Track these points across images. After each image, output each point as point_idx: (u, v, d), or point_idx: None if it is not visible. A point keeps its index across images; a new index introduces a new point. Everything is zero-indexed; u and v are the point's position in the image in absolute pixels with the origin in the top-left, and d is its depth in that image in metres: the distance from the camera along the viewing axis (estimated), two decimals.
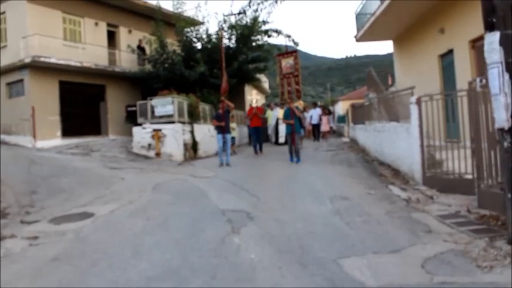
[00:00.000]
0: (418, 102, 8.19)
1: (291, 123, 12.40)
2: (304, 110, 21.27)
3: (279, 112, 19.48)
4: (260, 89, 34.49)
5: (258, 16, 20.58)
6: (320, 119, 22.04)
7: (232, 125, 15.90)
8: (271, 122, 20.40)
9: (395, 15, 13.52)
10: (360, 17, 16.56)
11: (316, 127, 21.99)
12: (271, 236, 5.34)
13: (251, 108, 16.49)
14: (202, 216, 6.48)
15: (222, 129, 12.54)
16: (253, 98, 17.45)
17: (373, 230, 5.44)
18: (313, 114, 21.87)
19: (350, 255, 4.54)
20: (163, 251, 4.97)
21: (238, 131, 19.11)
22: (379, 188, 8.18)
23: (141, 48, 21.07)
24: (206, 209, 6.96)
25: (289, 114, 12.50)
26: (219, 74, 19.26)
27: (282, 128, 19.14)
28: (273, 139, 20.60)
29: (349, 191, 7.94)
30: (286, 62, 15.97)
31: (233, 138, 15.86)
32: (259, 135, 15.64)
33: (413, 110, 8.29)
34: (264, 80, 34.40)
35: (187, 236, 5.50)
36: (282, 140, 19.45)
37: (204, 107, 17.53)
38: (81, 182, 9.77)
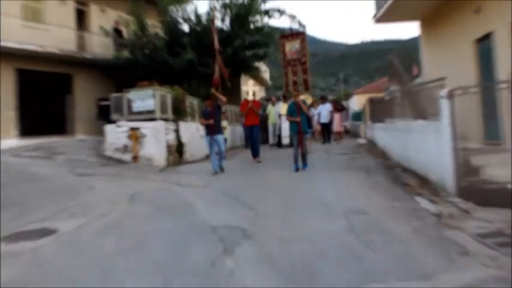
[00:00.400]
0: (450, 96, 8.14)
1: (296, 121, 12.14)
2: (312, 105, 21.18)
3: (282, 107, 19.49)
4: (259, 80, 34.53)
5: None
6: (331, 117, 21.95)
7: (223, 123, 15.71)
8: (274, 121, 20.33)
9: None
10: None
11: (326, 126, 21.86)
12: (271, 259, 5.26)
13: (246, 102, 16.23)
14: (188, 234, 6.40)
15: (211, 129, 12.37)
16: (249, 89, 17.04)
17: (397, 251, 5.37)
18: (322, 111, 21.69)
19: (369, 283, 4.46)
20: (140, 276, 4.88)
21: (231, 130, 19.02)
22: (404, 200, 8.11)
23: (117, 31, 21.03)
24: (193, 225, 6.87)
25: (294, 110, 12.23)
26: (210, 61, 19.21)
27: (286, 127, 19.03)
28: (272, 140, 20.60)
29: (367, 204, 7.86)
30: (291, 46, 15.21)
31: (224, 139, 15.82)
32: (255, 136, 15.29)
33: (444, 105, 8.24)
34: (264, 70, 34.36)
35: (169, 258, 5.41)
36: (285, 141, 19.41)
37: (192, 102, 17.50)
38: (42, 191, 9.69)
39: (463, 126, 8.19)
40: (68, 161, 14.34)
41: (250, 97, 16.45)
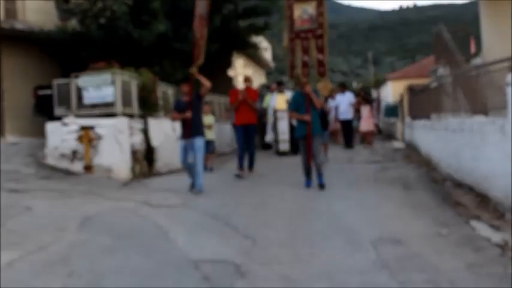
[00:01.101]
0: None
1: (304, 120, 11.73)
2: (331, 95, 20.86)
3: (277, 98, 19.46)
4: (258, 62, 34.57)
5: None
6: (356, 111, 21.83)
7: (208, 119, 15.91)
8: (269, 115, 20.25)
9: None
10: None
11: (346, 125, 21.49)
12: None
13: (236, 91, 15.31)
14: (160, 272, 6.44)
15: (188, 129, 11.81)
16: (237, 72, 16.28)
17: None
18: (341, 104, 21.38)
19: None
20: None
21: (218, 129, 18.84)
22: (455, 226, 8.15)
23: None
24: (168, 260, 6.90)
25: (302, 104, 11.82)
26: (190, 34, 19.23)
27: (284, 125, 19.11)
28: (270, 140, 20.45)
29: (405, 231, 7.91)
30: (303, 11, 13.98)
31: (211, 143, 15.89)
32: (249, 139, 14.69)
33: None
34: (265, 47, 34.43)
35: None
36: (284, 146, 19.29)
37: (166, 91, 17.55)
38: None
39: None
40: None
41: (242, 84, 15.44)
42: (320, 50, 13.32)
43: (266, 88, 24.18)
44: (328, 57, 14.47)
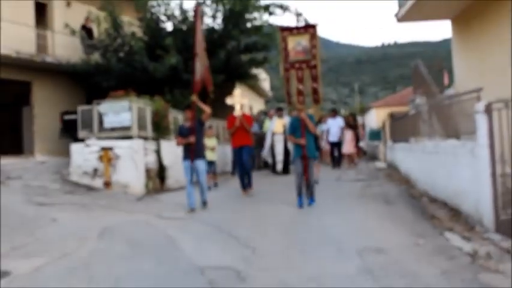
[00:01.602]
0: (488, 110, 8.16)
1: (300, 144, 11.48)
2: (320, 120, 20.97)
3: (276, 123, 19.21)
4: (257, 91, 34.68)
5: None
6: (342, 135, 21.70)
7: (211, 142, 15.71)
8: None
9: None
10: None
11: (336, 146, 21.64)
12: None
13: (233, 117, 14.68)
14: (170, 277, 6.41)
15: (191, 152, 11.59)
16: (236, 101, 15.22)
17: None
18: (332, 127, 21.48)
19: None
20: None
21: (221, 151, 18.74)
22: (431, 236, 8.13)
23: (86, 30, 21.02)
24: (177, 266, 6.89)
25: (298, 128, 11.58)
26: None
27: (280, 148, 18.87)
28: (269, 161, 20.15)
29: (387, 241, 7.90)
30: (297, 43, 13.24)
31: (212, 163, 15.61)
32: (245, 161, 14.15)
33: (481, 122, 8.26)
34: (264, 78, 34.57)
35: None
36: (279, 166, 18.99)
37: (176, 116, 17.54)
38: None
39: (504, 148, 8.20)
40: (25, 187, 14.31)
41: (238, 111, 14.76)
42: (314, 79, 12.77)
43: (264, 114, 24.06)
44: (322, 86, 13.52)
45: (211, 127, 16.91)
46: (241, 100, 15.13)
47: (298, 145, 11.57)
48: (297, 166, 11.56)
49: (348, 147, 22.04)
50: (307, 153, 11.40)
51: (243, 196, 13.69)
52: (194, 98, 11.83)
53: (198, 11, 13.76)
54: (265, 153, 19.86)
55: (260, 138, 20.13)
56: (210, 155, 14.94)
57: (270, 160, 19.84)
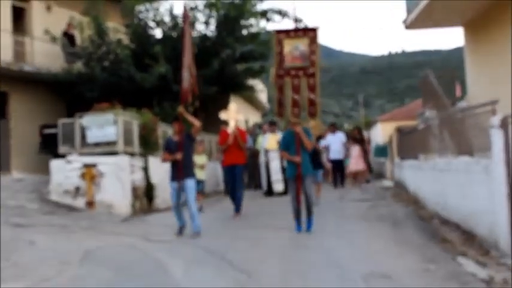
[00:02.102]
0: (504, 124, 8.16)
1: (294, 161, 10.94)
2: (320, 137, 20.40)
3: (269, 139, 18.86)
4: (254, 103, 34.70)
5: None
6: (347, 150, 21.21)
7: (201, 159, 15.02)
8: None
9: None
10: None
11: (337, 164, 21.05)
12: None
13: (224, 132, 14.33)
14: None
15: (178, 170, 10.94)
16: (230, 116, 14.63)
17: None
18: (332, 144, 20.83)
19: None
20: None
21: (212, 169, 18.43)
22: (442, 261, 8.12)
23: (68, 36, 21.06)
24: None
25: (292, 143, 11.04)
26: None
27: (276, 167, 18.48)
28: (263, 184, 19.53)
29: (394, 266, 7.89)
30: (294, 47, 12.31)
31: (201, 183, 14.64)
32: (237, 180, 13.83)
33: (497, 137, 8.27)
34: (260, 89, 34.60)
35: None
36: (278, 187, 18.50)
37: (166, 130, 17.55)
38: None
39: None
40: (0, 207, 14.31)
41: (231, 127, 14.23)
42: (311, 89, 11.86)
43: (259, 128, 23.80)
44: (320, 99, 12.71)
45: (202, 142, 16.51)
46: (236, 116, 14.65)
47: (292, 163, 11.05)
48: (292, 187, 11.19)
49: (355, 164, 21.13)
50: (302, 171, 10.87)
51: (235, 219, 13.38)
52: (181, 109, 11.27)
53: (187, 15, 13.25)
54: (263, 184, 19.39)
55: (253, 154, 19.84)
56: (199, 174, 14.19)
57: (263, 181, 19.40)
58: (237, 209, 13.66)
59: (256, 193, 19.43)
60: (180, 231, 10.99)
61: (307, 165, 11.06)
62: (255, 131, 22.64)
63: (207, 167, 16.05)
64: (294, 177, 10.99)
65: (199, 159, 14.48)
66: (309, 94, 11.86)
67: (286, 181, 17.62)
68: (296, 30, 12.81)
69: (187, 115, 11.17)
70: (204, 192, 15.78)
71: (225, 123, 14.53)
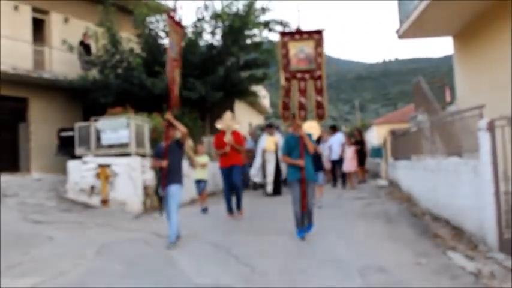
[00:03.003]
0: (491, 127, 8.17)
1: (298, 165, 9.95)
2: (320, 139, 19.44)
3: (267, 141, 18.39)
4: (257, 108, 34.69)
5: (255, 1, 20.83)
6: (343, 151, 20.54)
7: (203, 159, 14.46)
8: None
9: None
10: (404, 2, 16.75)
11: (337, 164, 20.59)
12: None
13: (220, 136, 13.42)
14: None
15: (164, 177, 9.94)
16: (224, 124, 13.56)
17: None
18: (333, 144, 20.35)
19: None
20: None
21: (214, 169, 16.81)
22: (433, 256, 8.12)
23: (84, 46, 21.08)
24: (175, 285, 6.87)
25: (295, 147, 10.15)
26: (196, 83, 19.31)
27: (271, 168, 18.03)
28: (260, 182, 19.18)
29: (388, 260, 7.88)
30: (299, 50, 11.33)
31: (203, 182, 14.41)
32: (234, 180, 13.00)
33: (484, 139, 8.27)
34: (263, 95, 34.57)
35: None
36: (269, 188, 17.96)
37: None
38: None
39: (507, 165, 8.20)
40: (21, 205, 14.30)
41: (228, 136, 13.26)
42: (319, 92, 10.90)
43: (260, 129, 23.25)
44: (327, 100, 11.33)
45: (202, 143, 16.55)
46: (232, 124, 13.52)
47: (294, 166, 10.02)
48: (294, 191, 9.97)
49: (348, 166, 20.38)
50: (306, 177, 9.89)
51: (230, 220, 12.70)
52: (168, 116, 10.45)
53: (173, 17, 12.24)
54: (254, 173, 18.85)
55: (254, 156, 19.25)
56: (201, 173, 14.20)
57: (260, 180, 18.94)
58: (238, 208, 13.05)
59: (254, 193, 19.04)
60: (171, 244, 9.47)
61: (310, 171, 10.08)
62: (256, 133, 22.43)
63: (208, 167, 14.74)
64: (297, 181, 9.92)
65: (200, 159, 14.25)
66: (316, 97, 10.93)
67: (277, 183, 17.96)
68: (301, 32, 11.52)
69: (174, 121, 10.30)
70: (205, 192, 14.67)
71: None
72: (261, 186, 19.29)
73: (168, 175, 9.79)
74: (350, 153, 20.36)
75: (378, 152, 30.85)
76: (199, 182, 14.32)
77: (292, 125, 10.64)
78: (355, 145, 21.20)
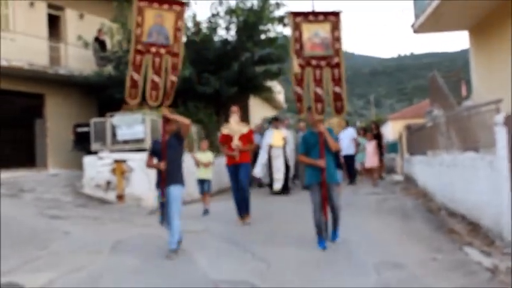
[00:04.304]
0: (508, 122, 8.11)
1: (319, 166, 8.62)
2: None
3: (274, 136, 16.97)
4: (272, 103, 34.64)
5: None
6: (358, 145, 20.26)
7: (206, 156, 13.15)
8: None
9: None
10: None
11: (349, 160, 19.61)
12: None
13: (226, 137, 11.84)
14: None
15: (162, 177, 8.64)
16: (231, 129, 11.79)
17: None
18: (344, 139, 19.13)
19: None
20: None
21: (220, 166, 14.84)
22: (449, 251, 8.08)
23: (99, 42, 21.14)
24: (190, 280, 6.88)
25: (314, 145, 8.84)
26: (211, 79, 19.30)
27: (279, 164, 16.71)
28: (266, 181, 17.81)
29: (404, 255, 7.85)
30: (314, 33, 9.62)
31: (207, 182, 13.16)
32: (244, 181, 11.51)
33: (501, 134, 8.22)
34: (278, 90, 34.52)
35: None
36: (278, 186, 16.68)
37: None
38: (4, 237, 9.70)
39: None
40: (37, 200, 14.38)
41: (235, 142, 11.64)
42: (336, 82, 9.33)
43: (268, 123, 21.24)
44: (346, 91, 9.56)
45: (205, 139, 15.10)
46: (239, 129, 11.78)
47: (313, 167, 8.70)
48: (314, 195, 8.65)
49: (370, 161, 19.57)
50: (327, 178, 8.62)
51: (239, 224, 11.27)
52: (164, 110, 9.29)
53: None
54: (258, 170, 16.90)
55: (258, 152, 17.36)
56: (204, 173, 13.03)
57: (266, 179, 17.60)
58: (245, 210, 11.44)
59: (260, 191, 17.72)
60: (172, 252, 8.37)
61: (332, 172, 8.82)
62: (263, 127, 21.04)
63: (213, 165, 13.40)
64: (317, 184, 8.63)
65: (203, 156, 13.06)
66: (333, 87, 9.35)
67: (286, 180, 16.78)
68: (315, 13, 9.83)
69: (172, 115, 9.21)
70: (210, 192, 13.40)
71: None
72: (267, 184, 17.85)
73: (167, 175, 8.53)
74: (371, 148, 19.59)
75: (393, 147, 30.80)
76: (202, 182, 13.10)
77: (310, 119, 9.25)
78: (374, 139, 20.21)
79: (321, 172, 8.56)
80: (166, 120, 8.99)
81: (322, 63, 9.40)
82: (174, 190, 8.57)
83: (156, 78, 9.58)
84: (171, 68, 9.63)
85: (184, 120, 8.94)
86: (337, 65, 9.48)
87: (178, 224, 8.57)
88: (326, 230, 8.68)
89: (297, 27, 9.62)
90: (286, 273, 7.14)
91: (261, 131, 19.58)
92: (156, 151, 8.83)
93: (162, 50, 9.52)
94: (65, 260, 8.19)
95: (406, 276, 6.73)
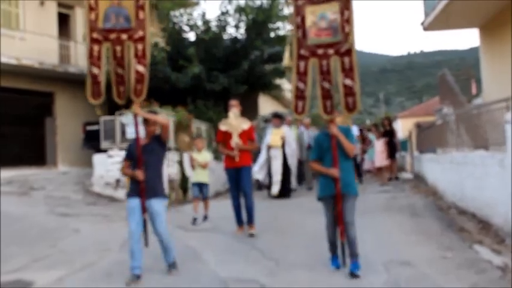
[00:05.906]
0: None
1: (332, 176, 6.97)
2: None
3: (272, 134, 15.55)
4: (282, 101, 34.63)
5: None
6: (363, 142, 20.07)
7: (202, 156, 11.83)
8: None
9: None
10: None
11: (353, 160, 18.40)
12: None
13: (225, 134, 10.33)
14: None
15: (138, 186, 7.21)
16: (229, 125, 10.30)
17: None
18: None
19: None
20: None
21: (219, 167, 14.79)
22: (459, 250, 8.04)
23: None
24: (199, 278, 6.89)
25: (327, 149, 7.13)
26: (220, 77, 19.29)
27: (277, 166, 15.23)
28: (265, 182, 16.31)
29: (413, 254, 7.82)
30: (320, 16, 7.67)
31: (204, 186, 11.82)
32: (246, 187, 9.99)
33: (511, 132, 8.19)
34: (288, 88, 34.49)
35: None
36: (275, 189, 15.16)
37: (199, 127, 17.57)
38: (15, 235, 9.75)
39: None
40: (47, 198, 14.43)
41: (234, 139, 10.13)
42: (348, 72, 7.42)
43: (265, 121, 20.14)
44: (358, 84, 7.50)
45: (201, 137, 13.84)
46: (238, 124, 10.30)
47: (326, 177, 7.06)
48: (327, 210, 7.17)
49: (380, 160, 19.11)
50: (342, 189, 6.96)
51: (238, 234, 9.99)
52: (135, 109, 8.03)
53: None
54: (256, 170, 15.41)
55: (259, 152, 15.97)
56: (200, 175, 11.73)
57: (264, 179, 16.19)
58: (249, 220, 9.95)
59: (259, 194, 15.78)
60: (134, 278, 6.91)
61: (349, 181, 7.10)
62: (259, 125, 19.71)
63: (209, 167, 12.02)
64: (330, 197, 7.05)
65: (199, 156, 11.72)
66: (343, 79, 7.43)
67: (285, 184, 15.35)
68: None
69: (147, 114, 7.85)
70: (208, 197, 12.05)
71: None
72: (266, 186, 16.30)
73: (147, 186, 7.14)
74: (380, 146, 19.08)
75: (403, 145, 30.72)
76: (198, 186, 11.77)
77: (325, 121, 7.45)
78: (384, 136, 19.55)
79: (335, 183, 6.93)
80: (145, 121, 7.65)
81: (330, 51, 7.51)
82: (156, 205, 7.24)
83: (120, 71, 8.32)
84: (136, 56, 8.12)
85: (163, 120, 7.65)
86: (348, 53, 7.49)
87: (169, 238, 7.53)
88: (344, 254, 7.07)
89: (298, 12, 7.75)
90: (295, 271, 7.12)
91: (257, 130, 17.41)
92: (132, 156, 7.40)
93: (124, 36, 7.99)
94: (75, 257, 8.21)
95: (415, 275, 6.70)
